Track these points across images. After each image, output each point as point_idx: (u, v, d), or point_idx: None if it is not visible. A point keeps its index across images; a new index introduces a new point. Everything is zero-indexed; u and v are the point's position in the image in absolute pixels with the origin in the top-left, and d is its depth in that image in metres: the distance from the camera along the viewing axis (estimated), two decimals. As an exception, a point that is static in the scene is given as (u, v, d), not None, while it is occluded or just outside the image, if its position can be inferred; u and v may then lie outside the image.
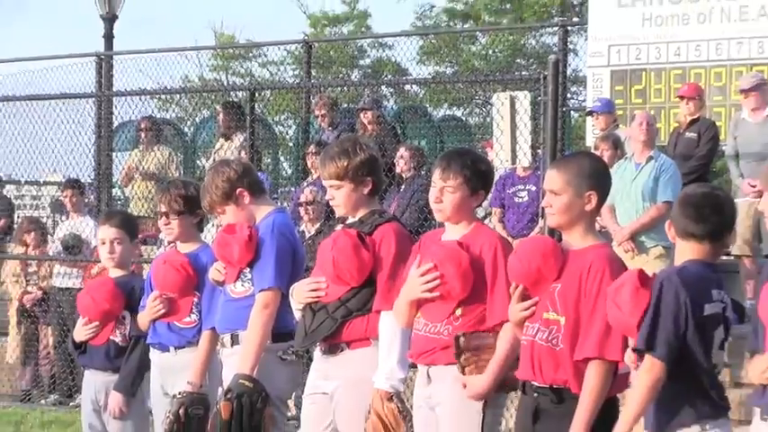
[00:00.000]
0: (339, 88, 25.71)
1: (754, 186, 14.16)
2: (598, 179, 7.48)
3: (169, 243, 10.19)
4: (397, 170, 17.50)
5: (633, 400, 6.91)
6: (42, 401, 18.39)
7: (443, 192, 8.00)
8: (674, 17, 17.67)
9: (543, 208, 7.78)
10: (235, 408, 8.82)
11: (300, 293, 8.55)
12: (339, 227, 8.68)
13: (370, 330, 8.41)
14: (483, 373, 7.68)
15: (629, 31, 17.88)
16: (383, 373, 8.27)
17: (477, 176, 8.09)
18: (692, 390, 6.92)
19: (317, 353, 8.60)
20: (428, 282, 7.90)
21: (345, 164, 8.54)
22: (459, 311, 7.87)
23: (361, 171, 8.57)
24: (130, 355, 9.96)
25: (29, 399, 18.70)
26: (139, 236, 11.12)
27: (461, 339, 7.75)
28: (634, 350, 6.95)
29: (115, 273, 10.18)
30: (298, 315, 8.63)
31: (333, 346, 8.46)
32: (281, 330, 8.83)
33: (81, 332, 10.18)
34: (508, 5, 33.61)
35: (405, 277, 8.17)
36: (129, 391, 9.90)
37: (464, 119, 26.23)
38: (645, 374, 6.84)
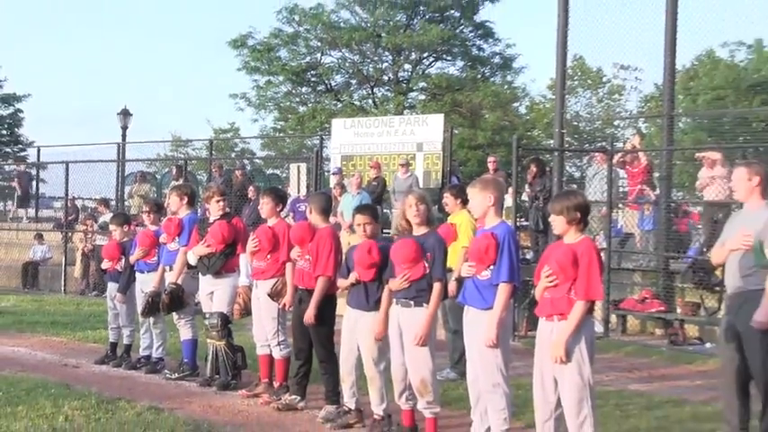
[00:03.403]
0: (224, 159, 25.30)
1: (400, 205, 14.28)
2: (329, 202, 7.62)
3: (148, 225, 9.81)
4: (249, 195, 17.23)
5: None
6: (89, 295, 17.66)
7: (263, 206, 7.92)
8: (368, 133, 17.73)
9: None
10: (171, 297, 8.67)
11: (199, 250, 8.30)
12: (212, 219, 8.44)
13: (236, 265, 8.33)
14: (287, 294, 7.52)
15: (349, 139, 17.87)
16: (245, 280, 8.30)
17: (278, 197, 8.02)
18: None
19: (207, 277, 8.32)
20: (254, 244, 7.79)
21: (223, 189, 8.62)
22: (269, 256, 7.72)
23: (225, 194, 8.57)
24: (123, 274, 9.61)
25: (83, 293, 17.97)
26: (134, 222, 10.73)
27: (270, 294, 7.59)
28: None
29: (121, 239, 9.83)
30: (193, 260, 8.39)
31: (217, 273, 8.22)
32: (191, 265, 8.54)
33: (104, 265, 9.88)
34: (299, 127, 33.64)
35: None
36: (122, 290, 9.55)
37: (279, 174, 25.99)
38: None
